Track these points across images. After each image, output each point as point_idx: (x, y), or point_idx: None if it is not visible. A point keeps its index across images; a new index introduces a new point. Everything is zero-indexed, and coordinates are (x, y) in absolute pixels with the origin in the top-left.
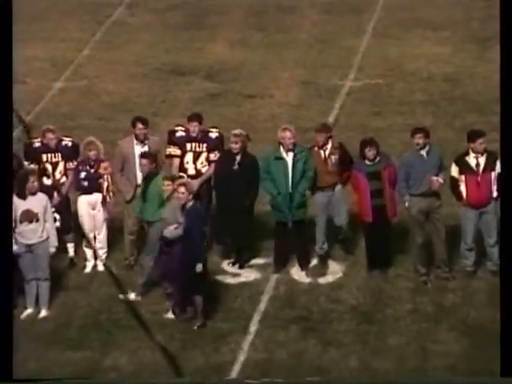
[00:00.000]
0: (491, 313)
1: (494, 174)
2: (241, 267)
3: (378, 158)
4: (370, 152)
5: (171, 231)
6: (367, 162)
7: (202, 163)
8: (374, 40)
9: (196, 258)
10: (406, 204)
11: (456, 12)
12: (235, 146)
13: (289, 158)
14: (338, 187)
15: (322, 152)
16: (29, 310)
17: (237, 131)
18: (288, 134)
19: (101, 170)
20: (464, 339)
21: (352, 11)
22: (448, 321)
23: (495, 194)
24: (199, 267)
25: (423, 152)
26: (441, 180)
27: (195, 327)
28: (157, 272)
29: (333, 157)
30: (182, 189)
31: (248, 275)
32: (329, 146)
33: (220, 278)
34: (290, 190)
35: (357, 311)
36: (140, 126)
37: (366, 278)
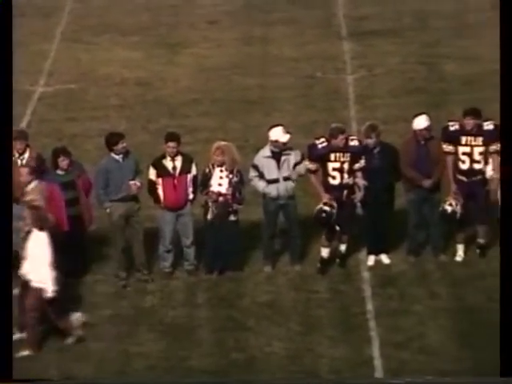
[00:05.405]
0: (188, 311)
1: (189, 177)
2: None
3: (70, 168)
4: (63, 162)
5: None
6: (59, 172)
7: None
8: (63, 44)
9: None
10: (108, 210)
11: (145, 18)
12: None
13: None
14: None
15: (19, 161)
16: None
17: None
18: None
19: None
20: (162, 339)
21: (39, 15)
22: (147, 322)
23: (191, 196)
24: None
25: (119, 157)
26: (138, 184)
27: None
28: None
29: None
30: None
31: None
32: (26, 155)
33: None
34: None
35: None
36: None
37: (66, 286)
